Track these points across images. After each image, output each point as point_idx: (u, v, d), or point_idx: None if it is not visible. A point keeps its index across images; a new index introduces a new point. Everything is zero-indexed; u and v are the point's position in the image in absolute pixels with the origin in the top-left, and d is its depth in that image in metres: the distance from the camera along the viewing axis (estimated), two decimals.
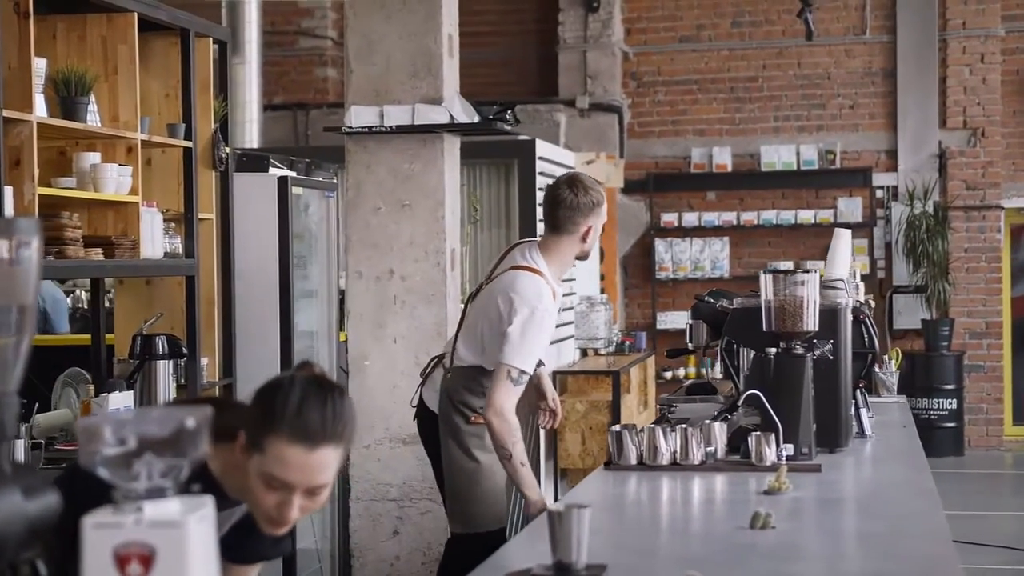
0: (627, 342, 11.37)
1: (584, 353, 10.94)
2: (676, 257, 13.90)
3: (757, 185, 13.88)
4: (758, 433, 4.65)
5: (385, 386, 6.38)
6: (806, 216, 13.63)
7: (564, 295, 7.70)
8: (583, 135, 13.68)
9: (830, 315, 5.06)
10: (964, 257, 13.62)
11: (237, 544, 3.02)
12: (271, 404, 2.63)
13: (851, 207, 13.68)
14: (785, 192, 13.86)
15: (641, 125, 14.14)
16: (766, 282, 4.91)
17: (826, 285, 5.77)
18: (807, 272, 4.91)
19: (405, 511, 6.56)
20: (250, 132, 10.99)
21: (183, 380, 6.00)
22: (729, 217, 13.80)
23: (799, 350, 4.88)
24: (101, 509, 1.94)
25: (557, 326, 5.60)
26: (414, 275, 6.35)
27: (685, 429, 4.69)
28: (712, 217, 13.84)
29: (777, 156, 13.75)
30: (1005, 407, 13.74)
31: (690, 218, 13.87)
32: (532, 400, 5.58)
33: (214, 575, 1.97)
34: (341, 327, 7.19)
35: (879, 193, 13.78)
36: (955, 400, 13.25)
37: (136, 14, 5.59)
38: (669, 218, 13.91)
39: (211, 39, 6.34)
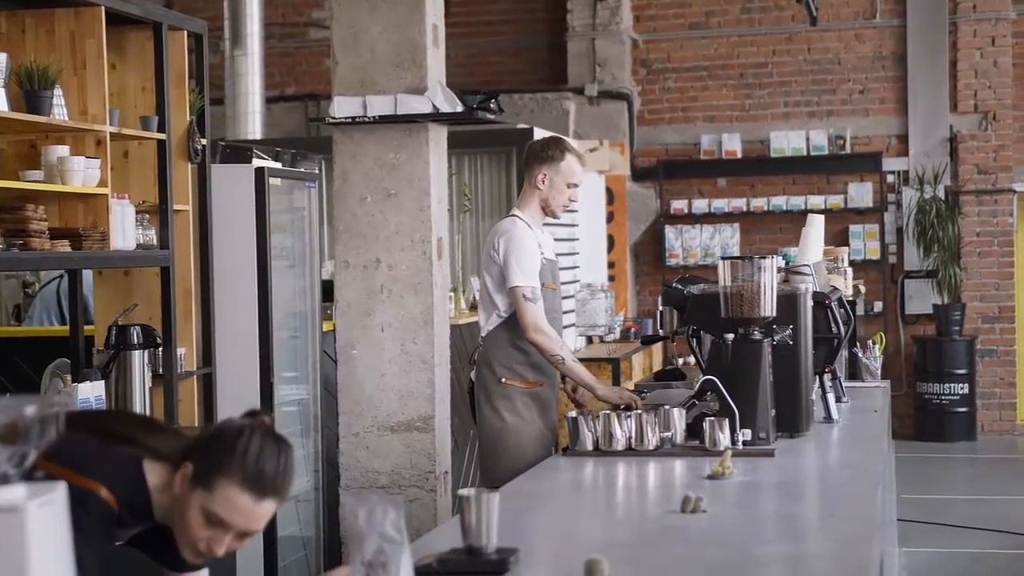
0: (631, 329, 11.39)
1: (589, 340, 10.98)
2: (686, 244, 13.88)
3: (767, 171, 13.84)
4: (712, 418, 4.67)
5: (373, 374, 6.40)
6: (816, 202, 13.57)
7: (564, 283, 7.76)
8: (592, 123, 13.69)
9: (790, 301, 5.06)
10: (976, 241, 13.55)
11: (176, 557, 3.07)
12: (230, 447, 2.74)
13: (861, 192, 13.62)
14: (795, 178, 13.83)
15: (651, 112, 14.13)
16: (723, 268, 4.93)
17: (793, 271, 5.80)
18: (764, 258, 4.92)
19: (394, 498, 6.59)
20: (252, 123, 10.97)
21: (160, 370, 6.06)
22: (739, 203, 13.77)
23: (757, 336, 4.90)
24: None
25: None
26: (400, 264, 6.36)
27: (640, 415, 4.72)
28: (722, 204, 13.82)
29: (787, 142, 13.72)
30: (1018, 392, 13.67)
31: (700, 205, 13.85)
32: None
33: (61, 560, 2.01)
34: (324, 316, 7.22)
35: (890, 178, 13.72)
36: (967, 385, 13.20)
37: (103, 8, 5.63)
38: (679, 205, 13.90)
39: (185, 32, 6.38)
